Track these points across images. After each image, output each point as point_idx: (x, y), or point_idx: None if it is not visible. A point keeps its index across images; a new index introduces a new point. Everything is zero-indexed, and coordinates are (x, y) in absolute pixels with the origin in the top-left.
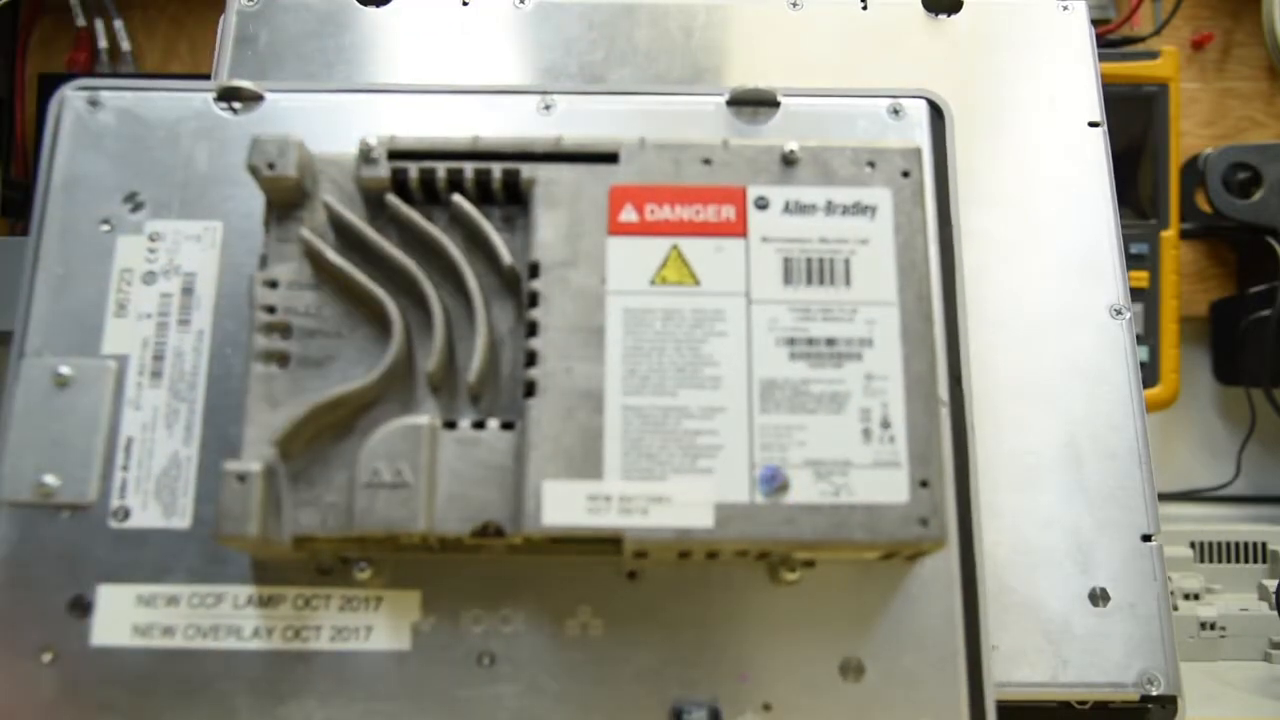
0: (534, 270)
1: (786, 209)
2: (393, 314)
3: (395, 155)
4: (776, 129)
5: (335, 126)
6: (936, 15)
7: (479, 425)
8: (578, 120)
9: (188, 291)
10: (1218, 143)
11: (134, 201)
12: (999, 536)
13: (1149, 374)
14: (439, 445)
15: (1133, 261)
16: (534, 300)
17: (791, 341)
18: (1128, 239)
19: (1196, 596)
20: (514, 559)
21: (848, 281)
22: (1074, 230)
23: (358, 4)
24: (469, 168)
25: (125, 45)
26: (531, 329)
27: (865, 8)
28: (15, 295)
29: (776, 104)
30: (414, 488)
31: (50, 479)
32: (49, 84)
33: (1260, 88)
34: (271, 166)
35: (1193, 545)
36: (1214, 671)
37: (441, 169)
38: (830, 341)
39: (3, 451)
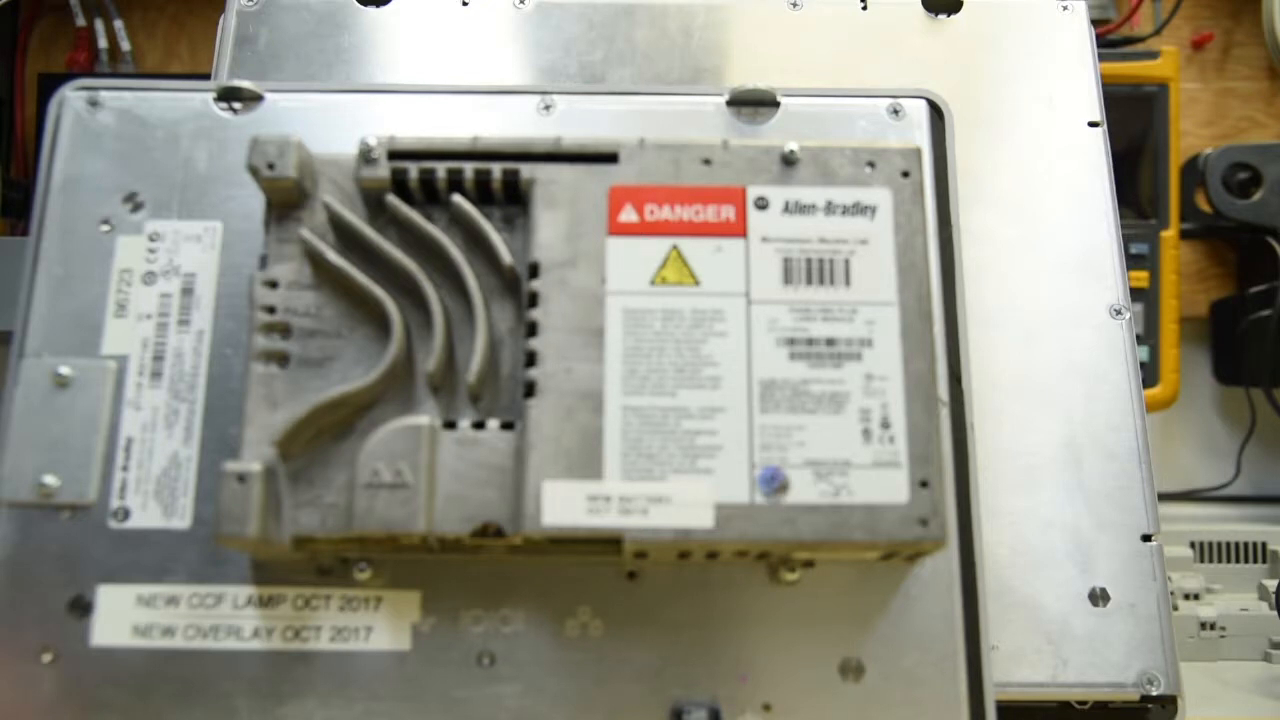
0: (534, 270)
1: (786, 209)
2: (392, 314)
3: (395, 155)
4: (776, 129)
5: (335, 126)
6: (936, 15)
7: (479, 425)
8: (578, 120)
9: (188, 292)
10: (1218, 143)
11: (134, 201)
12: (999, 536)
13: (1149, 374)
14: (439, 445)
15: (1133, 261)
16: (534, 300)
17: (791, 342)
18: (1128, 239)
19: (1196, 596)
20: (514, 559)
21: (847, 281)
22: (1074, 230)
23: (358, 4)
24: (469, 168)
25: (125, 45)
26: (531, 329)
27: (865, 8)
28: (15, 295)
29: (776, 104)
30: (414, 488)
31: (50, 479)
32: (49, 84)
33: (1260, 88)
34: (271, 167)
35: (1193, 545)
36: (1214, 671)
37: (441, 169)
38: (830, 341)
39: (3, 451)
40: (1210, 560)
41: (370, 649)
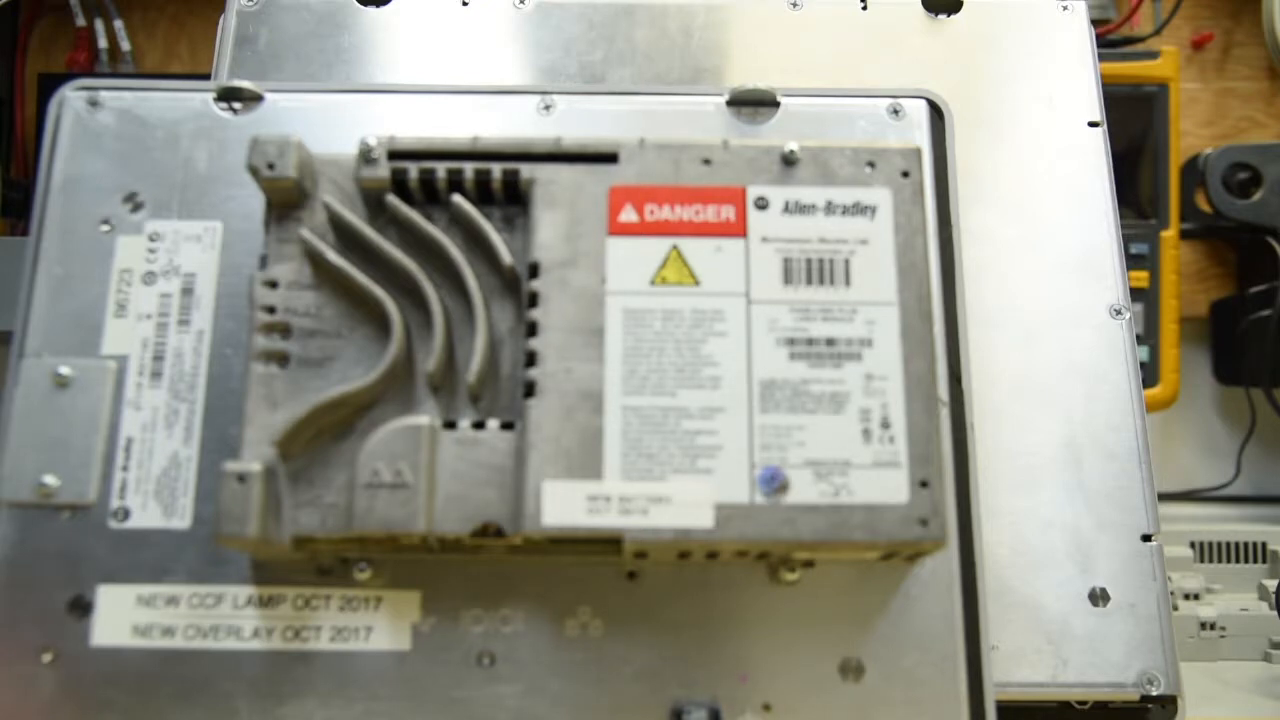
0: (534, 270)
1: (786, 209)
2: (392, 314)
3: (395, 155)
4: (776, 129)
5: (335, 126)
6: (936, 15)
7: (479, 425)
8: (578, 120)
9: (188, 292)
10: (1218, 143)
11: (134, 201)
12: (999, 536)
13: (1149, 374)
14: (439, 445)
15: (1133, 261)
16: (534, 300)
17: (791, 342)
18: (1128, 239)
19: (1196, 596)
20: (514, 559)
21: (847, 281)
22: (1074, 230)
23: (358, 4)
24: (469, 168)
25: (125, 45)
26: (531, 329)
27: (865, 8)
28: (15, 295)
29: (776, 104)
30: (414, 488)
31: (50, 479)
32: (49, 84)
33: (1260, 88)
34: (271, 167)
35: (1193, 545)
36: (1214, 671)
37: (441, 169)
38: (830, 341)
39: (3, 451)
40: (1210, 560)
41: (370, 649)
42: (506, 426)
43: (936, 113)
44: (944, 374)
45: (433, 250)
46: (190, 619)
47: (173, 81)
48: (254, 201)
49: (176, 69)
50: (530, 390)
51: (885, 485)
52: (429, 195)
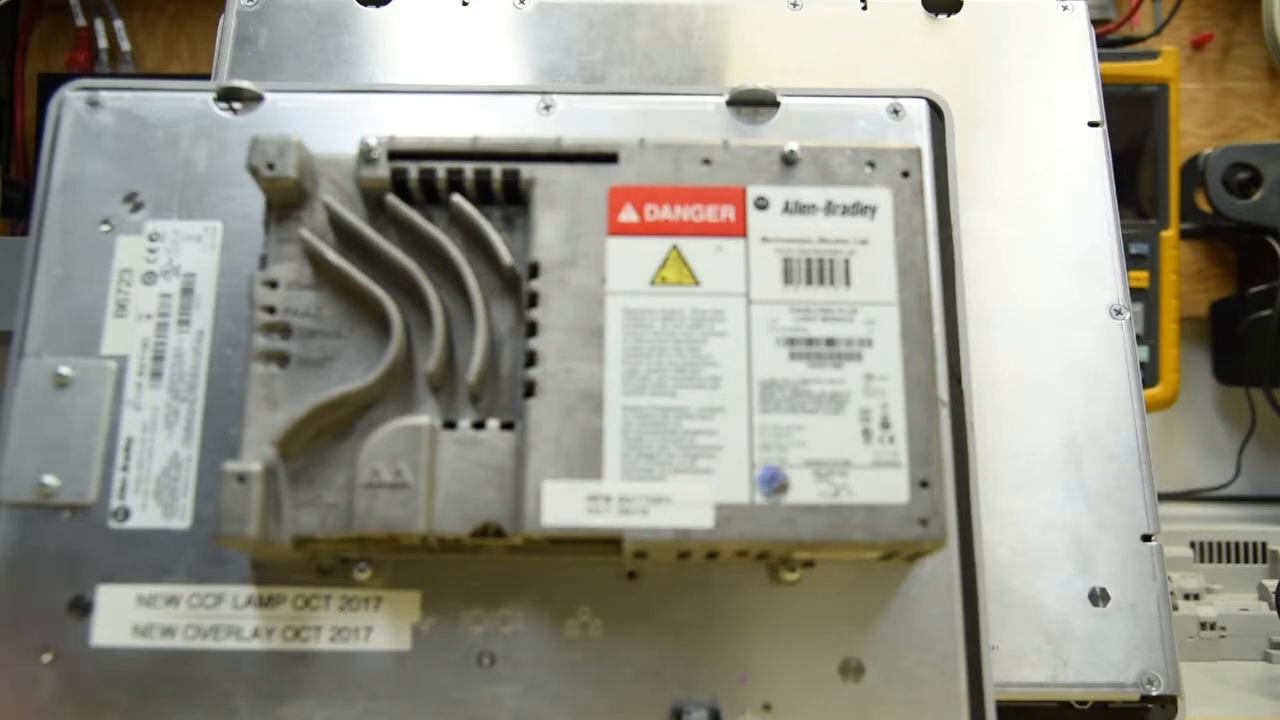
0: (534, 270)
1: (786, 209)
2: (392, 314)
3: (395, 155)
4: (776, 129)
5: (335, 126)
6: (936, 15)
7: (479, 425)
8: (578, 120)
9: (188, 292)
10: (1218, 143)
11: (134, 202)
12: (999, 536)
13: (1149, 374)
14: (439, 445)
15: (1133, 261)
16: (534, 300)
17: (791, 342)
18: (1128, 239)
19: (1196, 596)
20: (514, 559)
21: (847, 281)
22: (1074, 230)
23: (358, 4)
24: (469, 168)
25: (125, 45)
26: (531, 329)
27: (865, 8)
28: (15, 295)
29: (776, 104)
30: (414, 488)
31: (50, 479)
32: (49, 84)
33: (1260, 88)
34: (271, 167)
35: (1193, 545)
36: (1214, 671)
37: (441, 169)
38: (830, 341)
39: (3, 451)
40: (1210, 560)
41: (370, 649)
42: (506, 426)
43: (936, 113)
44: (944, 374)
45: (433, 250)
46: (190, 619)
47: (173, 81)
48: (254, 201)
49: (176, 69)
50: (530, 390)
51: (885, 485)
52: (429, 195)
